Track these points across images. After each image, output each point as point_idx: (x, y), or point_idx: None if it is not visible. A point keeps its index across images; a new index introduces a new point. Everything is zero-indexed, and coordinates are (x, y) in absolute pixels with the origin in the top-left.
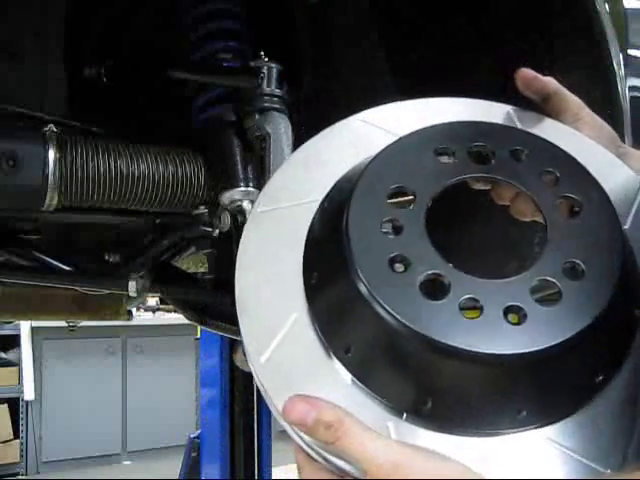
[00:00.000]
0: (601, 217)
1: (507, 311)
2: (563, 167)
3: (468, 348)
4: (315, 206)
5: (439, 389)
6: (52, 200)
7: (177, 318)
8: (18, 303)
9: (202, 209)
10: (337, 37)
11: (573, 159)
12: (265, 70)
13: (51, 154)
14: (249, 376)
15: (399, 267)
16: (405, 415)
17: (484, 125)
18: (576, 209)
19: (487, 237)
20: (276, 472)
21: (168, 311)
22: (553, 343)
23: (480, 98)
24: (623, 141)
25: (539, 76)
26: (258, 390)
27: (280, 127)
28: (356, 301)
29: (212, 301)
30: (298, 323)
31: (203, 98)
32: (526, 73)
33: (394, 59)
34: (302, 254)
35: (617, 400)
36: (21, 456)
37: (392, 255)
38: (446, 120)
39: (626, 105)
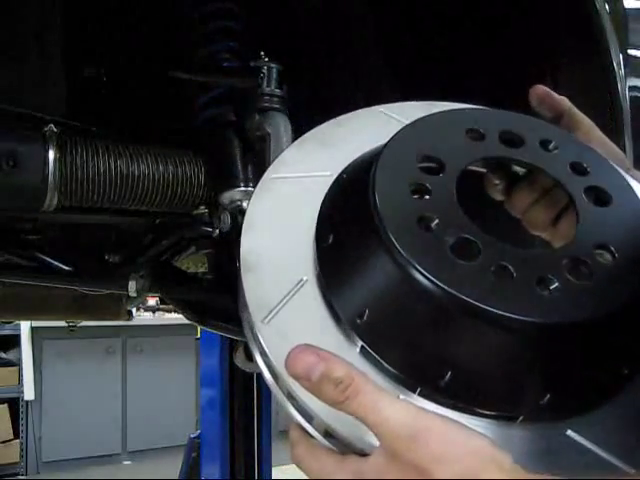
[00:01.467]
0: (630, 208)
1: (540, 281)
2: (592, 161)
3: (502, 312)
4: (331, 180)
5: (462, 359)
6: (52, 200)
7: (177, 318)
8: (18, 303)
9: (202, 209)
10: (337, 36)
11: (601, 156)
12: (265, 70)
13: (51, 154)
14: (249, 376)
15: (428, 228)
16: (419, 389)
17: (516, 115)
18: (605, 200)
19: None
20: (276, 472)
21: (168, 311)
22: (586, 316)
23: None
24: (623, 141)
25: (553, 94)
26: (258, 390)
27: (280, 127)
28: (379, 260)
29: (212, 301)
30: (306, 285)
31: (203, 98)
32: (541, 90)
33: (394, 60)
34: (316, 217)
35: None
36: (21, 456)
37: (421, 215)
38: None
39: (626, 105)
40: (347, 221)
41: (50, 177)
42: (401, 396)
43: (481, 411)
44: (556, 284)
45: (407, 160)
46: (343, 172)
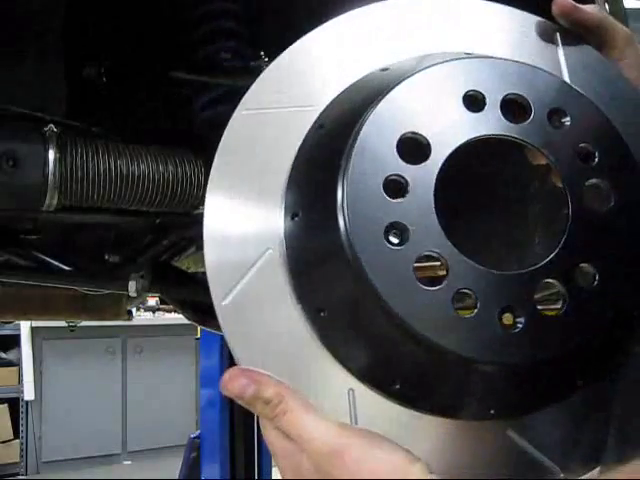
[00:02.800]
0: (630, 219)
1: (503, 311)
2: (603, 145)
3: (453, 349)
4: (308, 116)
5: (411, 376)
6: (52, 200)
7: (177, 318)
8: (18, 303)
9: (202, 209)
10: None
11: (615, 135)
12: None
13: (51, 154)
14: None
15: (396, 238)
16: (371, 387)
17: (526, 69)
18: (604, 200)
19: (488, 227)
20: (276, 472)
21: (168, 311)
22: (538, 357)
23: None
24: None
25: (580, 8)
26: None
27: None
28: (343, 266)
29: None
30: (270, 264)
31: (203, 98)
32: (566, 5)
33: None
34: (286, 181)
35: (587, 405)
36: (21, 456)
37: (390, 222)
38: (470, 31)
39: None
40: (316, 202)
41: (50, 177)
42: (353, 387)
43: (426, 410)
44: (519, 316)
45: (387, 141)
46: (323, 118)
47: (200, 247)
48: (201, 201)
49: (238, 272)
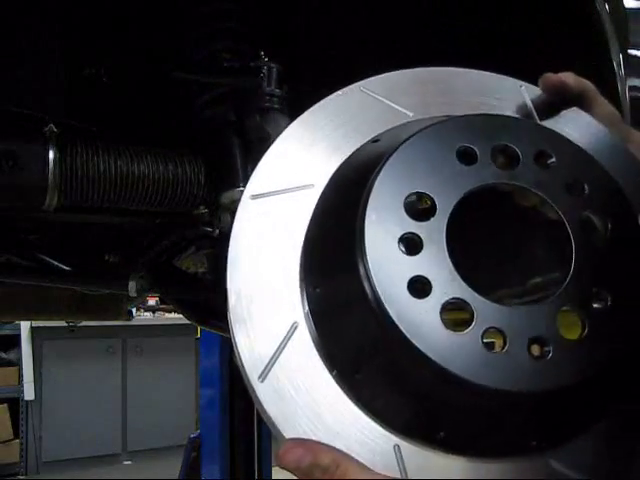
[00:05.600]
0: (630, 242)
1: (531, 343)
2: (590, 178)
3: (489, 385)
4: (313, 192)
5: (454, 422)
6: (52, 200)
7: (177, 318)
8: (18, 303)
9: (202, 209)
10: (337, 36)
11: (600, 167)
12: (265, 70)
13: (51, 154)
14: None
15: (419, 290)
16: (415, 440)
17: (508, 120)
18: (603, 230)
19: (494, 245)
20: (276, 472)
21: (168, 311)
22: (572, 381)
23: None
24: None
25: (566, 82)
26: None
27: (280, 127)
28: (373, 328)
29: (212, 301)
30: (298, 331)
31: (203, 98)
32: (553, 81)
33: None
34: (300, 247)
35: (622, 427)
36: (21, 456)
37: (412, 277)
38: (454, 96)
39: (626, 105)
40: (335, 272)
41: (50, 177)
42: (399, 443)
43: (473, 454)
44: (547, 344)
45: (395, 203)
46: (327, 189)
47: (200, 247)
48: (201, 201)
49: (269, 349)
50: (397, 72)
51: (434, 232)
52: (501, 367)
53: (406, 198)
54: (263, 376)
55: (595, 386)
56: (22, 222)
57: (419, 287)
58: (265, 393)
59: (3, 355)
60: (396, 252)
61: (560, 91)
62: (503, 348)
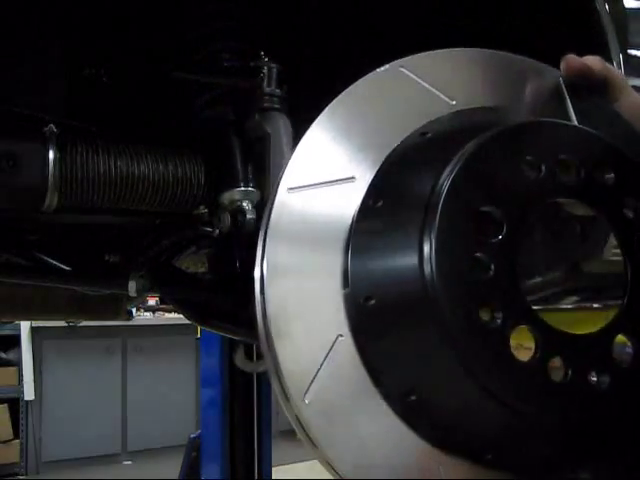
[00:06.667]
0: None
1: (589, 371)
2: None
3: (552, 417)
4: (355, 186)
5: (504, 446)
6: (52, 200)
7: (177, 318)
8: (18, 303)
9: (202, 209)
10: (338, 35)
11: None
12: (265, 70)
13: (51, 154)
14: (249, 376)
15: (486, 315)
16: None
17: (570, 131)
18: None
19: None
20: (276, 472)
21: (168, 311)
22: (627, 412)
23: None
24: None
25: (589, 65)
26: (258, 390)
27: (280, 127)
28: (434, 349)
29: (212, 301)
30: (342, 345)
31: (203, 98)
32: (576, 65)
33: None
34: (341, 251)
35: None
36: (21, 456)
37: (480, 302)
38: (496, 83)
39: None
40: (395, 286)
41: (50, 177)
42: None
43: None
44: (605, 375)
45: (465, 218)
46: (376, 192)
47: (200, 247)
48: (201, 201)
49: (313, 365)
50: (438, 51)
51: (503, 253)
52: (563, 399)
53: (476, 212)
54: (306, 392)
55: None
56: (22, 222)
57: (487, 312)
58: (310, 411)
59: (3, 355)
60: (466, 273)
61: (582, 75)
62: (565, 377)
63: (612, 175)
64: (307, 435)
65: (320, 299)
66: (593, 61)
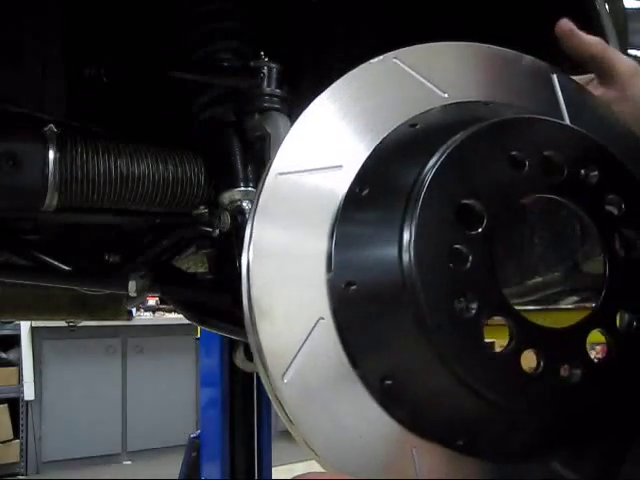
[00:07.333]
0: None
1: (561, 365)
2: (630, 196)
3: (523, 409)
4: (342, 175)
5: (476, 432)
6: (52, 200)
7: (177, 318)
8: (18, 303)
9: (202, 209)
10: (338, 36)
11: (637, 181)
12: (265, 70)
13: (51, 154)
14: (249, 376)
15: (462, 305)
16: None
17: (556, 127)
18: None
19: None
20: (276, 472)
21: (168, 311)
22: (597, 404)
23: None
24: None
25: (580, 34)
26: (258, 390)
27: (280, 127)
28: (411, 336)
29: (212, 301)
30: (323, 327)
31: (203, 98)
32: (565, 26)
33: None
34: (326, 237)
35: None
36: (21, 456)
37: (457, 291)
38: (490, 76)
39: None
40: (375, 272)
41: (50, 177)
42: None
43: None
44: (578, 368)
45: (447, 210)
46: (363, 180)
47: (200, 247)
48: (201, 201)
49: (293, 345)
50: (432, 44)
51: (481, 246)
52: (534, 391)
53: (458, 204)
54: (286, 371)
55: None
56: (22, 222)
57: (462, 301)
58: (289, 391)
59: (3, 355)
60: (445, 263)
61: (573, 41)
62: (537, 369)
63: (596, 173)
64: (285, 412)
65: (304, 282)
66: (592, 39)
